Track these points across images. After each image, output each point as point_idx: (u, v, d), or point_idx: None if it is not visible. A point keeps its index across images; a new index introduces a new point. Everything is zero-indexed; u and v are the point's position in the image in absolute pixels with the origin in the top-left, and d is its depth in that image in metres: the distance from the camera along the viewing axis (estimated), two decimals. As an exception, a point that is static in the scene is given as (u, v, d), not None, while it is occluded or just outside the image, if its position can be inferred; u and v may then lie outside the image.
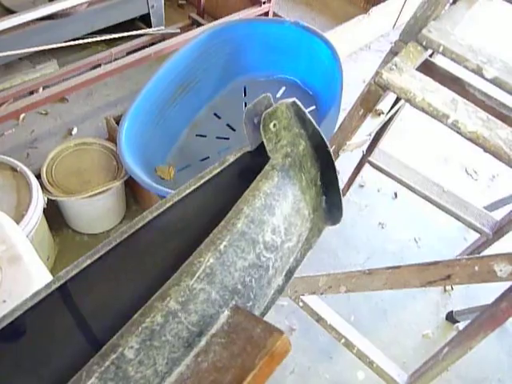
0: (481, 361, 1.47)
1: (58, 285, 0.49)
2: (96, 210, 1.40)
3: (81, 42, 1.94)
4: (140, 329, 0.40)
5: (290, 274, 0.68)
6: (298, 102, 0.60)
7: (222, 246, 0.47)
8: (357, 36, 2.50)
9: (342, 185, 1.79)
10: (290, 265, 0.65)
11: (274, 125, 0.60)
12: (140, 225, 0.53)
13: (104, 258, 0.53)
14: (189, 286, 0.43)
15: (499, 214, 1.47)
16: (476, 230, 1.45)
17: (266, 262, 0.53)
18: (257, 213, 0.52)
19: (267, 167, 0.59)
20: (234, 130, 1.64)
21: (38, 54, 1.87)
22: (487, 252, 1.52)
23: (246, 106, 1.70)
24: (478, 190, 1.96)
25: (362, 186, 1.85)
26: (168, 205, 0.56)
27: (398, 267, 0.86)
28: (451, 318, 1.55)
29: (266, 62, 1.72)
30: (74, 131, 1.77)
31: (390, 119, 1.20)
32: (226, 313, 0.46)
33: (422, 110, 0.62)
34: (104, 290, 0.57)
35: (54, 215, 1.45)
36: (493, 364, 1.49)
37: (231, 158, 0.61)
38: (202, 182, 0.58)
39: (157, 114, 1.53)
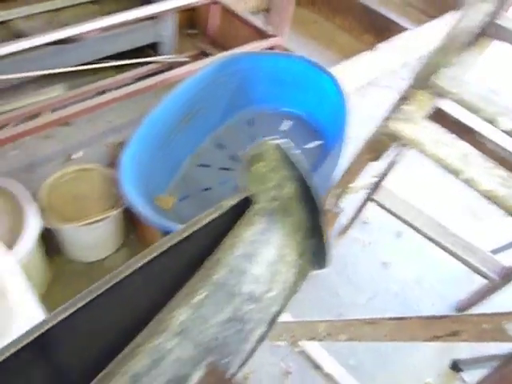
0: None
1: (34, 336, 0.46)
2: (93, 239, 1.36)
3: (89, 67, 1.95)
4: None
5: (272, 322, 0.63)
6: (286, 144, 0.56)
7: (196, 300, 0.43)
8: (364, 71, 2.51)
9: (345, 221, 1.76)
10: (272, 314, 0.60)
11: (261, 167, 0.56)
12: (125, 274, 0.50)
13: (84, 308, 0.49)
14: (159, 344, 0.39)
15: (507, 258, 1.43)
16: (482, 274, 1.40)
17: (246, 315, 0.49)
18: (237, 262, 0.48)
19: (250, 212, 0.55)
20: (237, 161, 1.62)
21: (45, 77, 1.87)
22: (495, 297, 1.47)
23: (251, 138, 1.68)
24: (485, 232, 1.92)
25: (365, 223, 1.81)
26: (158, 252, 0.52)
27: (403, 318, 0.81)
28: (455, 366, 1.48)
29: (272, 94, 1.71)
30: (75, 156, 1.76)
31: (396, 159, 1.18)
32: (198, 373, 0.42)
33: (434, 161, 0.60)
34: (82, 342, 0.53)
35: (50, 241, 1.41)
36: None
37: (228, 203, 0.58)
38: (195, 228, 0.55)
39: (160, 142, 1.51)
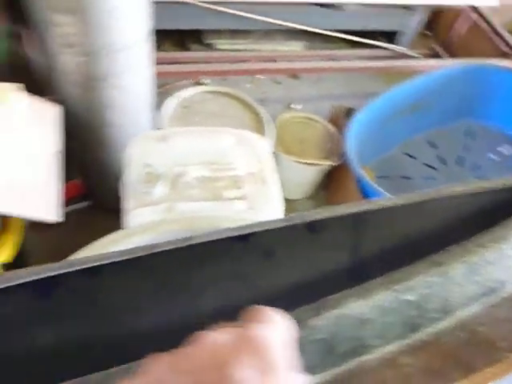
0: None
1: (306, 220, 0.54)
2: (300, 179, 1.53)
3: (332, 34, 2.11)
4: (462, 263, 0.46)
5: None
6: None
7: None
8: None
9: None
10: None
11: None
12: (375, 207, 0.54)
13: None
14: (501, 248, 0.48)
15: None
16: None
17: None
18: None
19: None
20: (444, 164, 1.63)
21: (291, 31, 2.08)
22: None
23: (464, 148, 1.68)
24: None
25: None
26: (431, 196, 0.57)
27: None
28: None
29: (504, 114, 1.67)
30: (294, 106, 1.95)
31: None
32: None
33: None
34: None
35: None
36: None
37: (504, 182, 0.61)
38: (475, 189, 0.58)
39: (382, 120, 1.60)
